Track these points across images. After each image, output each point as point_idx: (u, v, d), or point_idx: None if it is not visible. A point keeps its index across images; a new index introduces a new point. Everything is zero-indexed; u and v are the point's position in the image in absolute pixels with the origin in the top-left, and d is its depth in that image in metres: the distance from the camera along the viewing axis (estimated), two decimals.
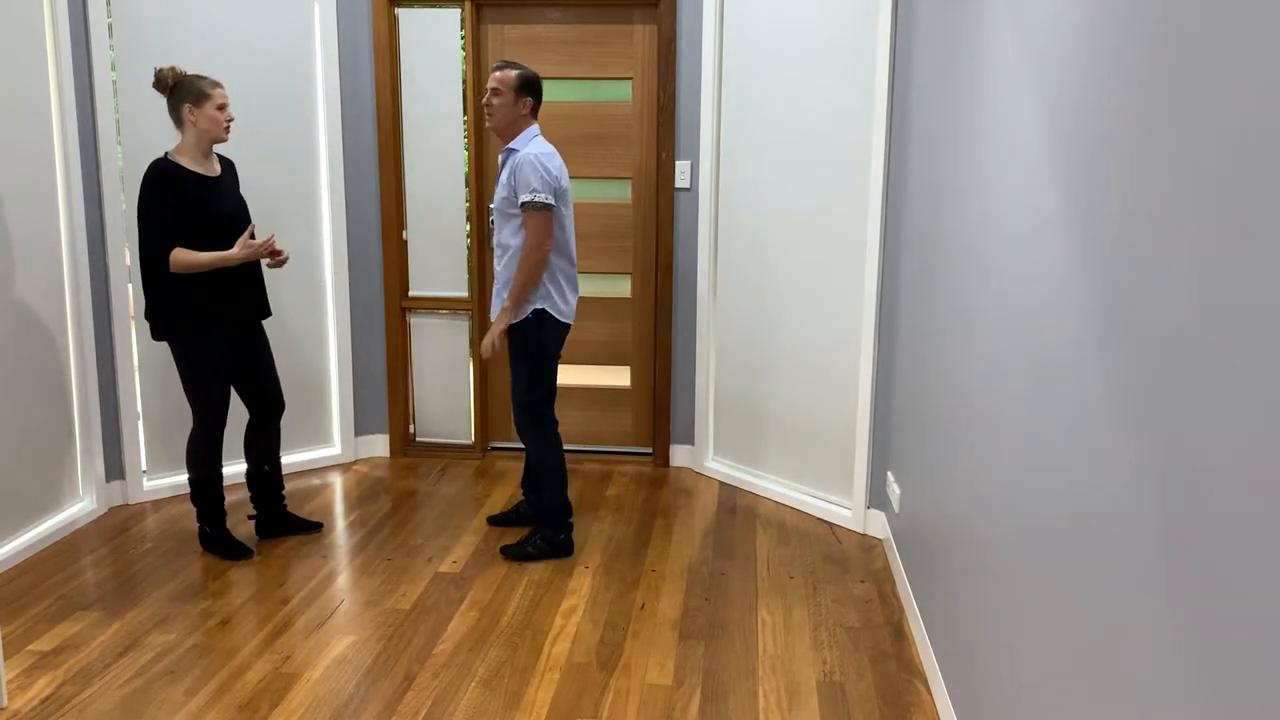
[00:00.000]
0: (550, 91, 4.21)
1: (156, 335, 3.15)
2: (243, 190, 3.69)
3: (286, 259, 3.25)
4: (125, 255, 3.69)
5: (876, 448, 3.57)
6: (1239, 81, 1.03)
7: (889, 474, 3.48)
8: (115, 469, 3.77)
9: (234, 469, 4.01)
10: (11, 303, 3.25)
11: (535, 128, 3.23)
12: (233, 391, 3.83)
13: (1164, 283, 1.20)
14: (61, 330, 3.48)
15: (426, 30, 4.15)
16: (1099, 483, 1.41)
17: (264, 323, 3.58)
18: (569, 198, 3.25)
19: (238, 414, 3.99)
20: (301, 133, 4.04)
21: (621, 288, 4.35)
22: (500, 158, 3.25)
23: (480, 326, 4.34)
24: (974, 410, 2.23)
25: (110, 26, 3.57)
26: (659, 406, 4.31)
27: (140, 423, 3.81)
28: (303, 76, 4.01)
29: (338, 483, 4.10)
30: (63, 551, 3.37)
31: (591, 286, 4.35)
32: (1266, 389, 0.95)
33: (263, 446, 3.43)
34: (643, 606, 3.03)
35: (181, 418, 3.87)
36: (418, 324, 4.39)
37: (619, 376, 4.43)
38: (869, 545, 3.52)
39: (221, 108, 3.11)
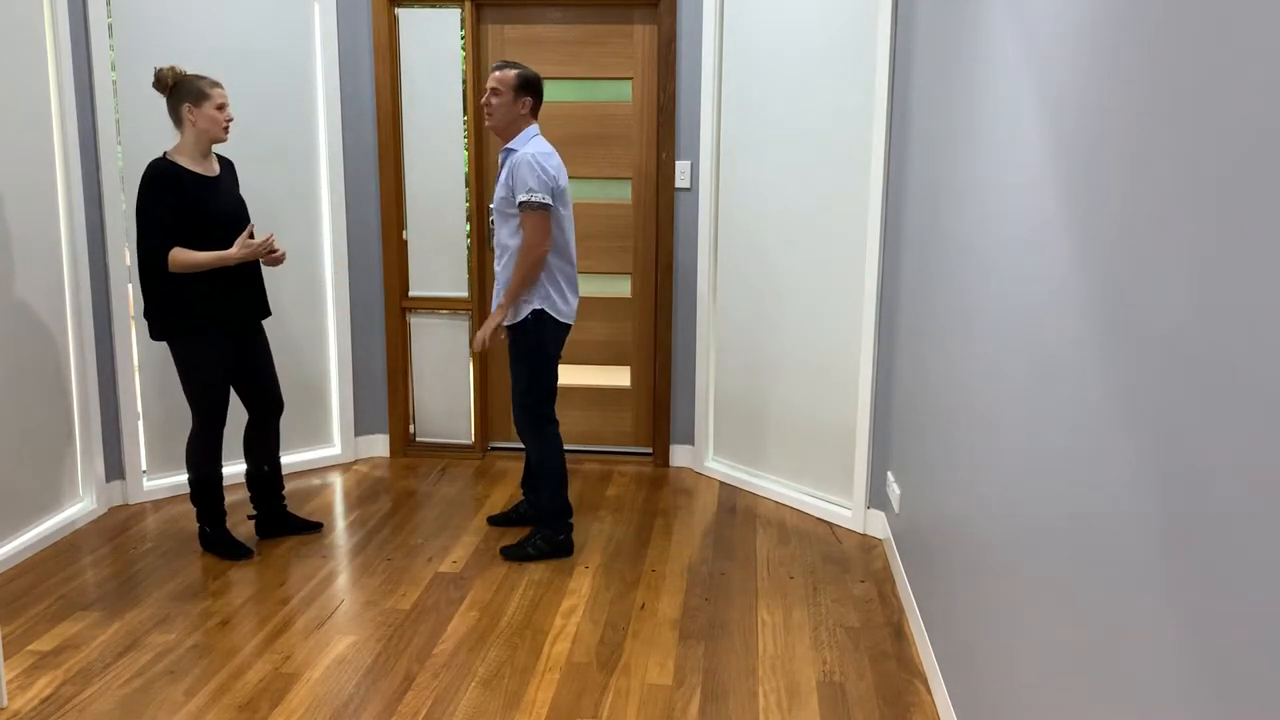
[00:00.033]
0: (550, 91, 4.21)
1: (155, 335, 3.15)
2: (242, 190, 3.69)
3: (283, 256, 3.25)
4: (125, 255, 3.69)
5: (876, 448, 3.57)
6: (1239, 81, 1.03)
7: (889, 474, 3.48)
8: (115, 469, 3.77)
9: (234, 469, 4.01)
10: (11, 303, 3.25)
11: (535, 127, 3.22)
12: (232, 391, 3.84)
13: (1164, 283, 1.20)
14: (61, 330, 3.48)
15: (426, 30, 4.15)
16: (1099, 483, 1.41)
17: (264, 323, 3.58)
18: (568, 198, 3.24)
19: (238, 414, 3.99)
20: (301, 133, 4.04)
21: (621, 288, 4.35)
22: (500, 157, 3.25)
23: (480, 327, 4.34)
24: (974, 410, 2.23)
25: (110, 26, 3.57)
26: (659, 406, 4.31)
27: (140, 423, 3.81)
28: (302, 76, 4.01)
29: (338, 483, 4.10)
30: (63, 551, 3.37)
31: (591, 286, 4.35)
32: (1266, 389, 0.95)
33: (262, 447, 3.43)
34: (643, 606, 3.03)
35: (181, 418, 3.87)
36: (418, 324, 4.40)
37: (619, 376, 4.43)
38: (869, 545, 3.52)
39: (221, 107, 3.11)
